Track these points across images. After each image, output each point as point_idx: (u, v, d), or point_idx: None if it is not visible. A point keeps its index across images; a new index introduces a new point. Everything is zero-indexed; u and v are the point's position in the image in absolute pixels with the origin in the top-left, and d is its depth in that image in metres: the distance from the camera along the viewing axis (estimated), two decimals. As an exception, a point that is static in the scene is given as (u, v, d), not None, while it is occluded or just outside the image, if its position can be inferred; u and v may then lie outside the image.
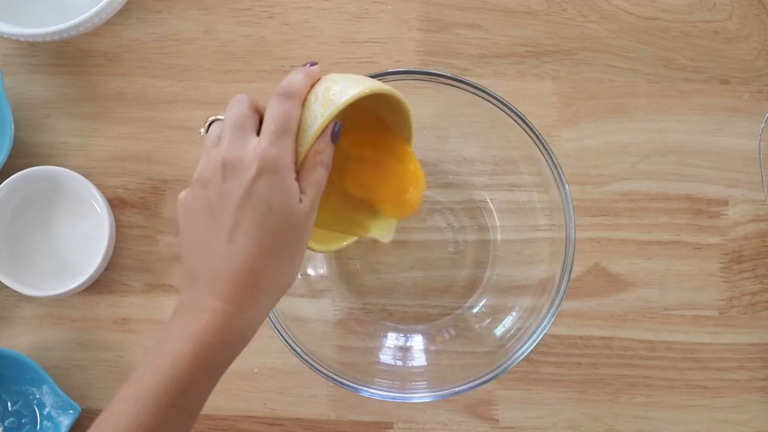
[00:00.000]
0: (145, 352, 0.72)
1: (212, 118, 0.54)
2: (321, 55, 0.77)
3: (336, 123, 0.51)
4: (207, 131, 0.54)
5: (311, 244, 0.56)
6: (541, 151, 0.66)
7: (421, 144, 0.72)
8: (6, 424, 0.72)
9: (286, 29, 0.77)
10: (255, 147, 0.49)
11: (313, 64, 0.54)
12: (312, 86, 0.53)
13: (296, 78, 0.52)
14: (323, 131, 0.51)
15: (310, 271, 0.73)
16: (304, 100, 0.52)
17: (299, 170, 0.50)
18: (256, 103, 0.52)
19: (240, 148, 0.49)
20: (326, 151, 0.51)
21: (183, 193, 0.52)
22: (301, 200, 0.49)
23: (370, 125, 0.60)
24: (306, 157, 0.51)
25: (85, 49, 0.78)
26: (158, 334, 0.50)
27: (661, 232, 0.74)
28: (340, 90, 0.51)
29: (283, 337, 0.65)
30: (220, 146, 0.50)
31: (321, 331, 0.72)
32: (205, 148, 0.52)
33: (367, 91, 0.52)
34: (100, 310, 0.75)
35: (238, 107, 0.51)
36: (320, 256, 0.74)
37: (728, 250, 0.74)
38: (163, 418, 0.47)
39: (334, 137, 0.51)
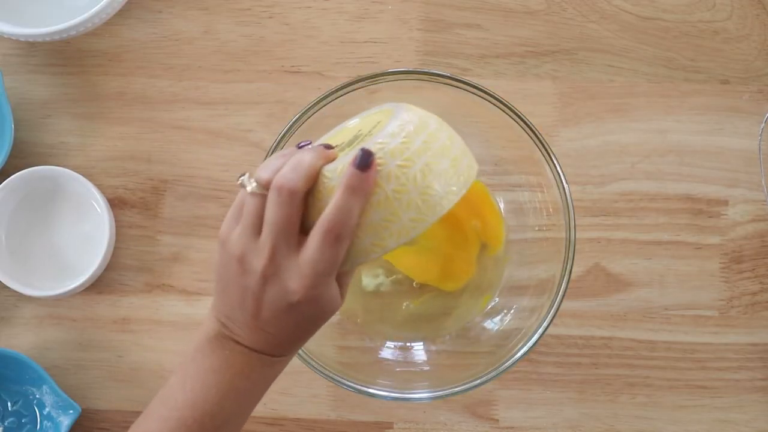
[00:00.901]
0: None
1: (241, 176, 0.49)
2: (321, 55, 0.77)
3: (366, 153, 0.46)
4: (241, 183, 0.50)
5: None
6: (541, 151, 0.66)
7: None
8: (6, 424, 0.72)
9: (286, 29, 0.77)
10: (298, 276, 0.47)
11: (305, 144, 0.52)
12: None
13: (303, 166, 0.47)
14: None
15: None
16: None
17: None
18: (308, 181, 0.48)
19: (284, 267, 0.48)
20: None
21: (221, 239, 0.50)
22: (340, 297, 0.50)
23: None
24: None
25: (85, 49, 0.78)
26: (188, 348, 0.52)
27: (661, 232, 0.74)
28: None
29: (283, 337, 0.64)
30: (260, 248, 0.48)
31: (321, 331, 0.72)
32: (232, 208, 0.50)
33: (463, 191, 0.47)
34: (100, 310, 0.75)
35: (285, 207, 0.47)
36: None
37: (728, 250, 0.74)
38: None
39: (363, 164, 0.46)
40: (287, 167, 0.47)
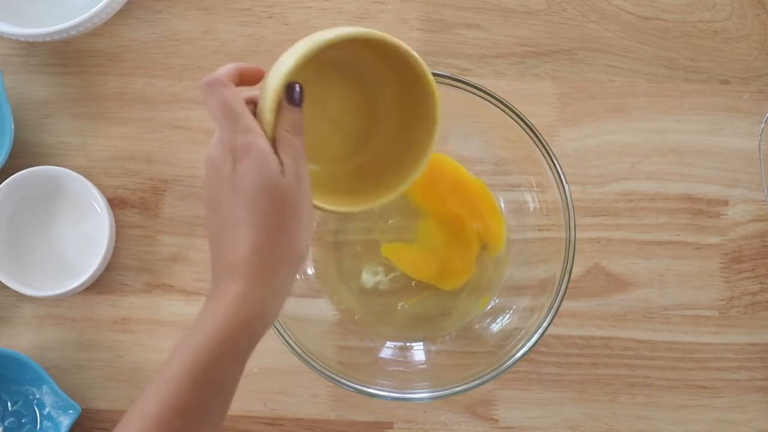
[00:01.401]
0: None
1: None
2: (321, 55, 0.77)
3: (293, 85, 0.51)
4: None
5: (320, 203, 0.55)
6: (541, 151, 0.66)
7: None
8: (6, 424, 0.72)
9: (286, 29, 0.77)
10: (223, 139, 0.51)
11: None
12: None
13: (221, 69, 0.52)
14: (281, 97, 0.51)
15: (310, 271, 0.73)
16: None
17: (273, 144, 0.50)
18: (233, 75, 0.52)
19: (216, 140, 0.52)
20: (289, 117, 0.51)
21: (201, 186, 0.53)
22: (283, 173, 0.49)
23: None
24: (274, 128, 0.51)
25: (85, 49, 0.78)
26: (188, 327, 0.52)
27: (661, 232, 0.74)
28: (290, 51, 0.51)
29: (283, 337, 0.65)
30: (219, 139, 0.52)
31: (321, 331, 0.72)
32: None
33: (326, 40, 0.51)
34: (100, 310, 0.75)
35: (214, 94, 0.51)
36: (320, 257, 0.74)
37: (728, 250, 0.74)
38: (187, 398, 0.47)
39: (293, 100, 0.51)
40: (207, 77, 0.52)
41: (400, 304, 0.72)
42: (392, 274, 0.72)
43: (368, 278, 0.72)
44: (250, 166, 0.49)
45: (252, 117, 0.51)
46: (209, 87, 0.51)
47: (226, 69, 0.52)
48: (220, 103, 0.51)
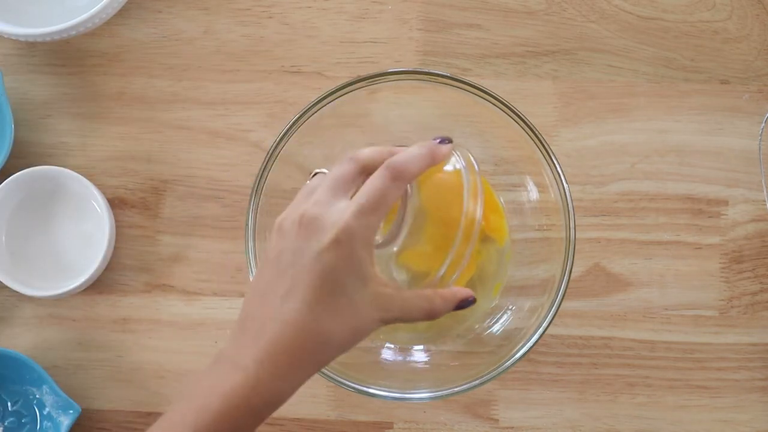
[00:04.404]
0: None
1: (316, 170, 0.52)
2: (321, 55, 0.77)
3: (470, 297, 0.50)
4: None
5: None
6: (541, 151, 0.66)
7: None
8: (6, 424, 0.73)
9: (286, 29, 0.77)
10: (340, 212, 0.47)
11: (444, 140, 0.52)
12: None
13: (414, 157, 0.49)
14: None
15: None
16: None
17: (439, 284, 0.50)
18: (367, 167, 0.50)
19: (325, 207, 0.48)
20: (439, 309, 0.50)
21: (270, 239, 0.51)
22: (373, 294, 0.48)
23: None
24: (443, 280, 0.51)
25: (85, 49, 0.78)
26: (197, 374, 0.49)
27: (661, 232, 0.74)
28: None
29: (283, 337, 0.64)
30: (308, 199, 0.49)
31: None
32: (297, 197, 0.51)
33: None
34: (100, 310, 0.75)
35: (343, 167, 0.49)
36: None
37: (728, 250, 0.74)
38: None
39: (460, 306, 0.50)
40: (400, 158, 0.49)
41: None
42: (410, 275, 0.72)
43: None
44: (346, 257, 0.47)
45: (380, 222, 0.49)
46: (393, 177, 0.49)
47: (420, 166, 0.50)
48: (381, 191, 0.48)
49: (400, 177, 0.48)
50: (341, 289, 0.47)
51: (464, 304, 0.50)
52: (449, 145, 0.51)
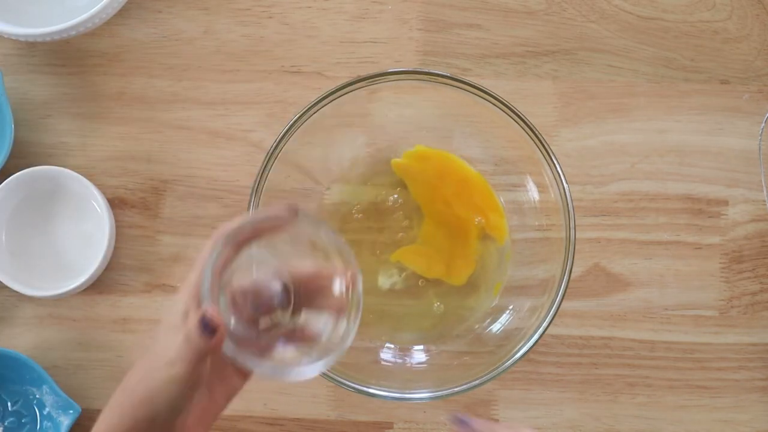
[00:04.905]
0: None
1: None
2: (321, 55, 0.77)
3: (204, 318, 0.48)
4: None
5: None
6: (541, 151, 0.66)
7: (422, 144, 0.73)
8: (6, 424, 0.72)
9: (286, 29, 0.77)
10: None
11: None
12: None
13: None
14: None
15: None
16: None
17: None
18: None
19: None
20: (191, 335, 0.49)
21: None
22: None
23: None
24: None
25: (85, 49, 0.78)
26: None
27: (661, 232, 0.74)
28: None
29: (283, 337, 0.65)
30: None
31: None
32: None
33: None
34: (100, 310, 0.75)
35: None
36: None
37: (728, 250, 0.74)
38: None
39: (206, 330, 0.48)
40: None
41: (436, 304, 0.72)
42: (405, 273, 0.72)
43: (384, 280, 0.72)
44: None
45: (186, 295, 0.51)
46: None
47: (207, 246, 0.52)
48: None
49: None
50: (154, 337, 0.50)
51: (206, 328, 0.49)
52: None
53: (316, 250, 0.53)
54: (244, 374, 0.53)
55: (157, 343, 0.50)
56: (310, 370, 0.50)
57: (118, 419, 0.51)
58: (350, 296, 0.51)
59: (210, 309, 0.48)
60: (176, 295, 0.51)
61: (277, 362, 0.52)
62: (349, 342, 0.51)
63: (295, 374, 0.50)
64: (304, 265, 0.54)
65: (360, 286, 0.51)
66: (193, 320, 0.48)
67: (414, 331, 0.72)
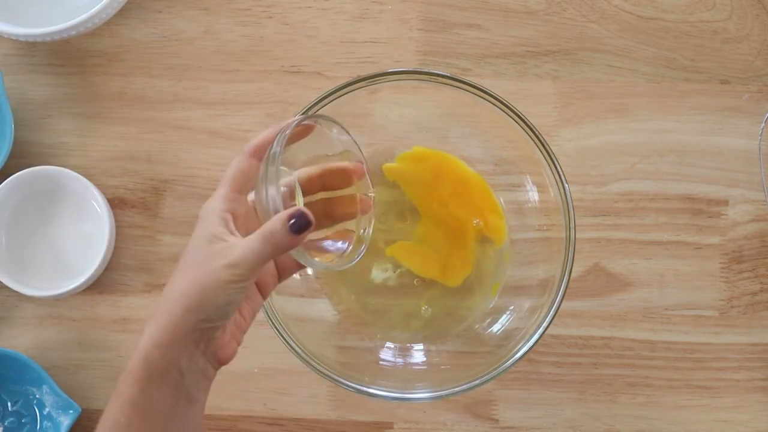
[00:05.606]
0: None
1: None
2: (321, 55, 0.77)
3: (299, 214, 0.48)
4: None
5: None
6: (541, 151, 0.66)
7: (421, 144, 0.73)
8: (6, 424, 0.72)
9: (286, 29, 0.77)
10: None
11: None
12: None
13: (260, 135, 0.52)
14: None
15: (310, 271, 0.73)
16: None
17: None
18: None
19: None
20: (277, 233, 0.48)
21: None
22: (223, 255, 0.49)
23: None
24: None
25: (85, 49, 0.78)
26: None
27: (661, 232, 0.74)
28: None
29: (283, 337, 0.65)
30: None
31: (321, 331, 0.72)
32: None
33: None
34: (100, 310, 0.75)
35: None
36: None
37: (728, 250, 0.74)
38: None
39: (294, 228, 0.48)
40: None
41: (423, 307, 0.72)
42: (399, 270, 0.72)
43: (377, 274, 0.72)
44: (198, 230, 0.51)
45: (228, 191, 0.52)
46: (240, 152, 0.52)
47: (262, 138, 0.52)
48: (229, 167, 0.52)
49: (243, 150, 0.52)
50: (190, 250, 0.51)
51: (295, 225, 0.47)
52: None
53: (328, 158, 0.57)
54: (265, 290, 0.54)
55: (201, 250, 0.50)
56: (350, 259, 0.57)
57: (170, 327, 0.51)
58: (364, 185, 0.57)
59: (302, 207, 0.48)
60: (213, 203, 0.51)
61: (324, 259, 0.57)
62: (371, 231, 0.59)
63: (337, 266, 0.58)
64: (318, 166, 0.56)
65: (368, 177, 0.57)
66: (282, 218, 0.48)
67: (404, 331, 0.72)
